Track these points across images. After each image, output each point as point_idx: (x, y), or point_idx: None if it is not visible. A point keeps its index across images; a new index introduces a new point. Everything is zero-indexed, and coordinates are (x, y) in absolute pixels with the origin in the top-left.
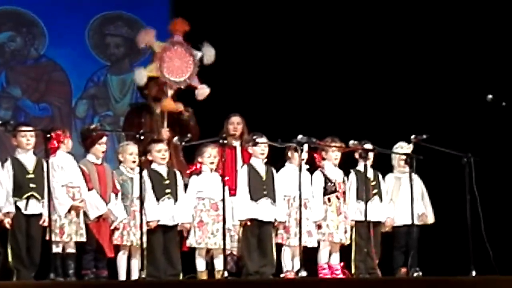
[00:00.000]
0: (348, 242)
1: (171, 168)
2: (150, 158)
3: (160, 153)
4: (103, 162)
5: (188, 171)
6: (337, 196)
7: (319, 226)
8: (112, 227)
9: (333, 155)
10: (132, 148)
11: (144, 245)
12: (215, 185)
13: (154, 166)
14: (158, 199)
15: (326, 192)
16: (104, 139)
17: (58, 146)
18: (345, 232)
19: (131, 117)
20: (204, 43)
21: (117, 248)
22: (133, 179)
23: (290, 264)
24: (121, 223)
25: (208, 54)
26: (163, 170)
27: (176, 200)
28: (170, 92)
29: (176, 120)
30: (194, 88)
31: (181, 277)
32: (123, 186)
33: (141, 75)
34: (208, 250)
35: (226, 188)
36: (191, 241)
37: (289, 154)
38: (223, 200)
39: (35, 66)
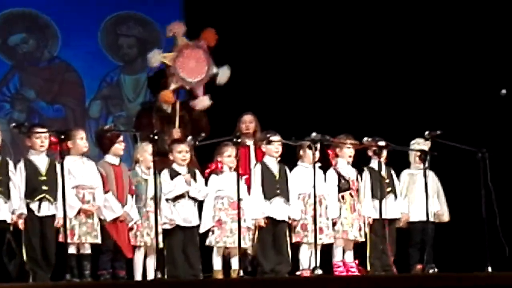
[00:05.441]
0: (362, 239)
1: (191, 169)
2: (171, 158)
3: (181, 154)
4: (121, 162)
5: (207, 170)
6: (350, 194)
7: (334, 224)
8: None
9: (347, 151)
10: (151, 148)
11: (160, 245)
12: (234, 184)
13: (174, 166)
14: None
15: (339, 189)
16: (121, 137)
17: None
18: (360, 229)
19: (141, 117)
20: (225, 66)
21: (135, 249)
22: (147, 181)
23: (307, 262)
24: (134, 224)
25: (224, 75)
26: (183, 171)
27: (195, 201)
28: (173, 86)
29: (188, 118)
30: (195, 96)
31: (200, 277)
32: (137, 188)
33: (155, 57)
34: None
35: (245, 187)
36: (210, 240)
37: (301, 152)
38: (238, 199)
39: (48, 67)
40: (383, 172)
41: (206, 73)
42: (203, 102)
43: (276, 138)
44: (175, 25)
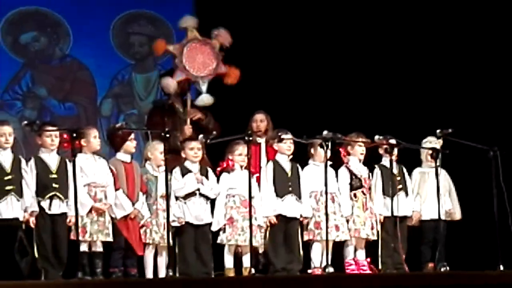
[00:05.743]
0: (374, 237)
1: (203, 167)
2: (183, 155)
3: (192, 151)
4: (132, 160)
5: (218, 168)
6: (363, 192)
7: (346, 222)
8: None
9: (359, 149)
10: (162, 147)
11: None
12: (245, 182)
13: (187, 164)
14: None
15: (351, 187)
16: (133, 135)
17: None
18: (372, 228)
19: (153, 115)
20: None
21: (145, 246)
22: (157, 178)
23: (319, 260)
24: (145, 221)
25: (204, 100)
26: (195, 168)
27: (207, 199)
28: (171, 47)
29: (196, 124)
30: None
31: (212, 275)
32: (147, 185)
33: (187, 21)
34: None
35: (256, 185)
36: (221, 238)
37: (313, 151)
38: (250, 197)
39: (60, 65)
40: (395, 170)
41: (196, 76)
42: (169, 86)
43: (287, 136)
44: (223, 33)
